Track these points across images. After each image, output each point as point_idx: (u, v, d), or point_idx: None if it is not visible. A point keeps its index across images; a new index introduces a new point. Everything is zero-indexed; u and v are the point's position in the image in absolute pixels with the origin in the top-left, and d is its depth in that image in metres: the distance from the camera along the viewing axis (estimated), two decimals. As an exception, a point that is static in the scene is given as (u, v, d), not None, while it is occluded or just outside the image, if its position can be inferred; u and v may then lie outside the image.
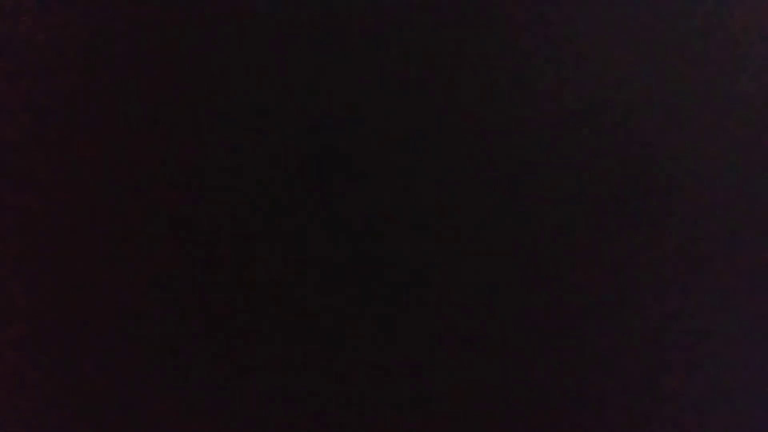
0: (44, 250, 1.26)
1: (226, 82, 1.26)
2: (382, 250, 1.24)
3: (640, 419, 1.25)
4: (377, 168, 1.25)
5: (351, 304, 1.24)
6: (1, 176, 1.27)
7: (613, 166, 1.26)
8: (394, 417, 1.25)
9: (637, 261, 1.26)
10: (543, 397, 1.25)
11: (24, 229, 1.27)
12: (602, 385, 1.25)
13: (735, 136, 1.28)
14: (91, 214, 1.26)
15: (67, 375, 1.26)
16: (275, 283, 1.24)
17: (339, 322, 1.24)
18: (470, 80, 1.25)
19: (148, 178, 1.25)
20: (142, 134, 1.26)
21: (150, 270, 1.25)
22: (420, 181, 1.25)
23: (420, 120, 1.25)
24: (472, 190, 1.25)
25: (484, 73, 1.25)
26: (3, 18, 1.28)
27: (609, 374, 1.25)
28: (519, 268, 1.25)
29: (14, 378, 1.26)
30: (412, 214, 1.25)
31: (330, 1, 1.26)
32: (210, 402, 1.25)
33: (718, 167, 1.27)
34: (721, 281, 1.27)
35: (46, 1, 1.27)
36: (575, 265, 1.25)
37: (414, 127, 1.25)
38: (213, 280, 1.25)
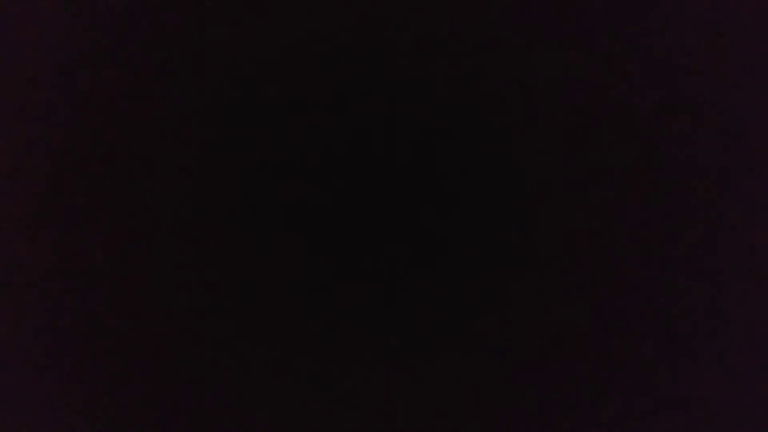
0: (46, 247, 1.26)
1: (228, 80, 1.26)
2: (381, 249, 1.24)
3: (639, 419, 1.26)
4: (374, 167, 1.25)
5: (349, 304, 1.24)
6: (2, 175, 1.27)
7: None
8: (395, 417, 1.25)
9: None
10: (542, 398, 1.25)
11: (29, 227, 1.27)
12: (601, 385, 1.25)
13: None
14: (92, 213, 1.26)
15: (67, 375, 1.26)
16: (277, 285, 1.25)
17: (337, 323, 1.25)
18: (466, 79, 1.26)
19: (147, 177, 1.26)
20: (142, 134, 1.26)
21: (151, 270, 1.25)
22: (415, 180, 1.25)
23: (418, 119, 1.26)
24: (470, 190, 1.25)
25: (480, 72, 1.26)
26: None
27: (607, 374, 1.25)
28: (518, 267, 1.25)
29: (14, 378, 1.26)
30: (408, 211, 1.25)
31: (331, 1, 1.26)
32: (213, 403, 1.25)
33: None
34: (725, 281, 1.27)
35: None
36: (577, 263, 1.25)
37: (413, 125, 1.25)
38: (217, 281, 1.25)
